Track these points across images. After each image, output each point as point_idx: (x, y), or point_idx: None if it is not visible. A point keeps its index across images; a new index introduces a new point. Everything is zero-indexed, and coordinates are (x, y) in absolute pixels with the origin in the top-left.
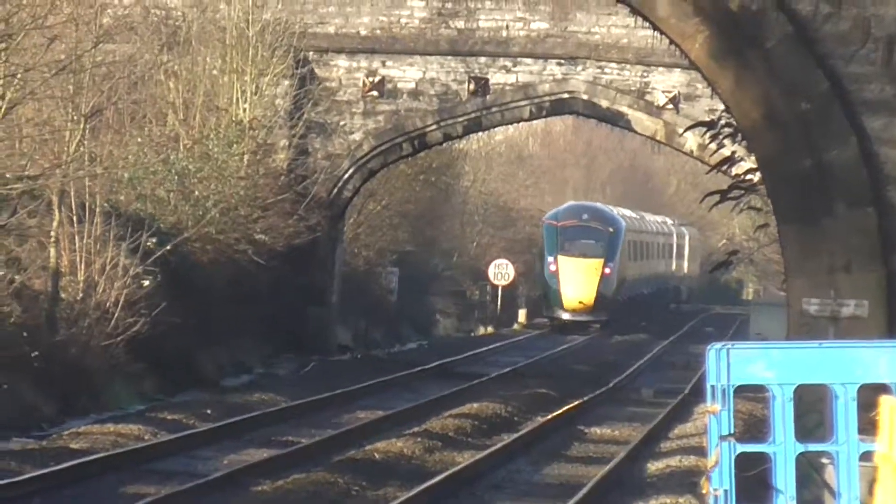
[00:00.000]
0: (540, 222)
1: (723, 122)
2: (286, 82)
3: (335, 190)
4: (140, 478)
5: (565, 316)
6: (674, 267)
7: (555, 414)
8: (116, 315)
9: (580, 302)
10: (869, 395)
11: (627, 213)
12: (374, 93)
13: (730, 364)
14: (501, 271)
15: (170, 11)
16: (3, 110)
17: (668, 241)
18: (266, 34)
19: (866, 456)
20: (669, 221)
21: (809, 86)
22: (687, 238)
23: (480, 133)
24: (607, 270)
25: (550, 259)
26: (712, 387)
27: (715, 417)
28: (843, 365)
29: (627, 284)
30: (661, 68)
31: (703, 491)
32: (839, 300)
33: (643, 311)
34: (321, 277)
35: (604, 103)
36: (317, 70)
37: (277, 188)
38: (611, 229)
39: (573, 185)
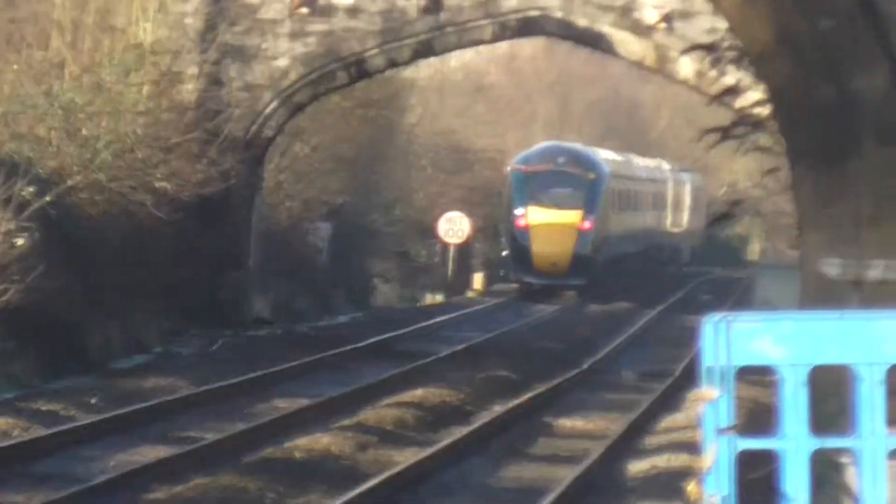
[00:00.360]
0: (506, 167)
1: (726, 44)
2: None
3: (254, 128)
4: (7, 482)
5: (536, 280)
6: (669, 221)
7: (516, 402)
8: None
9: (554, 263)
10: None
11: (612, 155)
12: (304, 9)
13: (730, 340)
14: (454, 227)
15: None
16: None
17: (662, 190)
18: None
19: None
20: (666, 166)
21: None
22: (688, 186)
23: (432, 59)
24: (586, 224)
25: (519, 211)
26: (708, 368)
27: (711, 406)
28: (870, 341)
29: (611, 242)
30: None
31: (693, 498)
32: (865, 260)
33: (630, 275)
34: (236, 235)
35: (581, 22)
36: None
37: (184, 126)
38: (591, 175)
39: (543, 122)
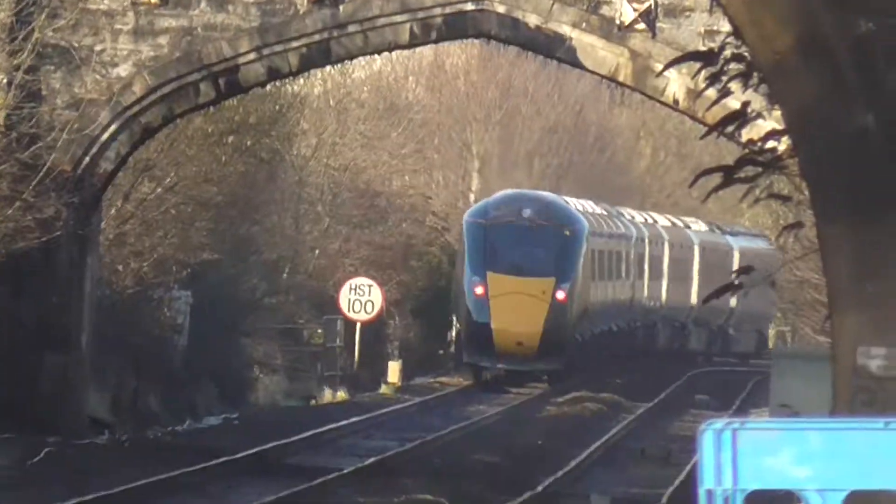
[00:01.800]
0: (462, 220)
1: (728, 52)
2: None
3: (87, 159)
4: None
5: (497, 363)
6: (664, 292)
7: None
8: None
9: (519, 342)
10: None
11: (591, 206)
12: None
13: (738, 454)
14: (361, 298)
15: None
16: None
17: (656, 252)
18: None
19: None
20: (670, 221)
21: None
22: (696, 247)
23: (329, 68)
24: (560, 295)
25: (475, 278)
26: (709, 492)
27: None
28: None
29: (591, 316)
30: None
31: None
32: None
33: (615, 358)
34: (61, 305)
35: (531, 20)
36: None
37: None
38: (566, 232)
39: (481, 155)
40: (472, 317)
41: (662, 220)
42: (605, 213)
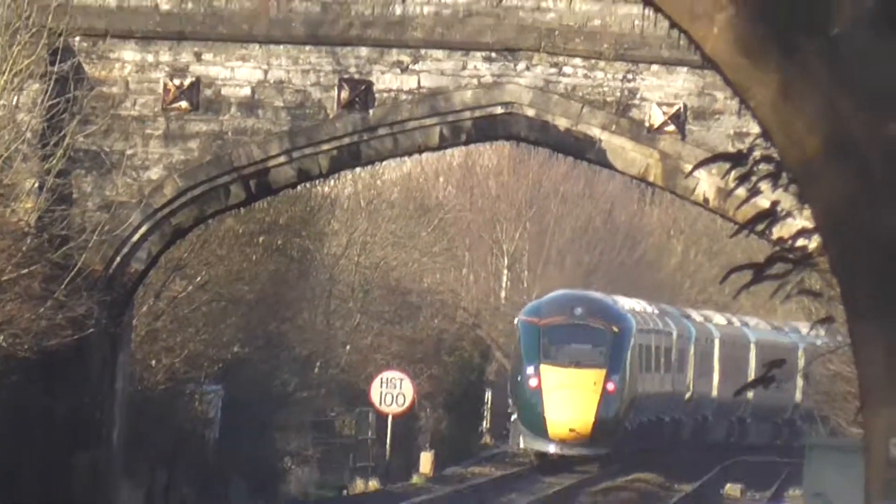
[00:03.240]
0: (515, 320)
1: (757, 154)
2: (35, 86)
3: (118, 259)
4: None
5: (551, 448)
6: (714, 385)
7: None
8: None
9: (571, 429)
10: None
11: (639, 306)
12: (184, 103)
13: None
14: (392, 391)
15: None
16: None
17: (705, 349)
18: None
19: None
20: (722, 320)
21: None
22: (752, 345)
23: (359, 170)
24: (610, 386)
25: (530, 370)
26: None
27: None
28: None
29: (638, 405)
30: (655, 66)
31: None
32: None
33: (660, 443)
34: (93, 402)
35: (561, 122)
36: (87, 66)
37: (20, 257)
38: (615, 328)
39: (513, 254)
40: (526, 406)
41: (718, 318)
42: (654, 311)
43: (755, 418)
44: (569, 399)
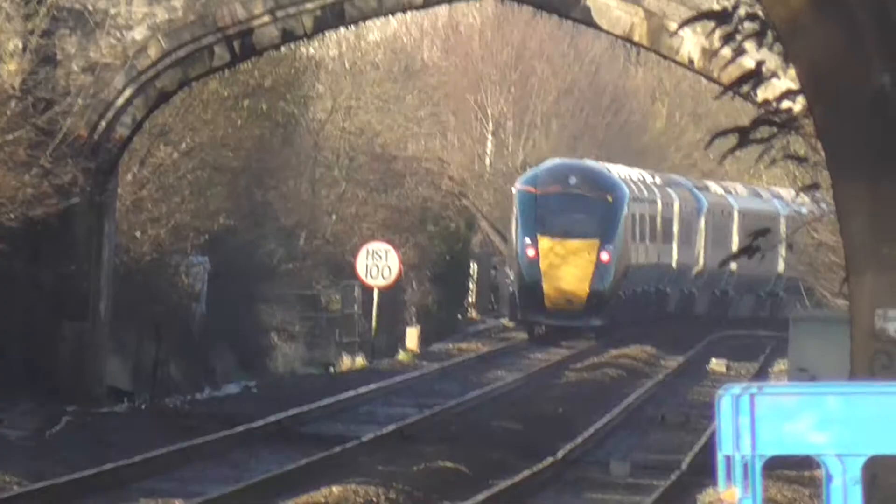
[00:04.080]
0: (513, 188)
1: (743, 11)
2: None
3: (102, 124)
4: None
5: (550, 320)
6: (699, 252)
7: None
8: None
9: (568, 300)
10: None
11: (634, 174)
12: None
13: (756, 420)
14: (378, 263)
15: None
16: None
17: (689, 219)
18: None
19: None
20: (715, 188)
21: None
22: (735, 211)
23: (343, 30)
24: (604, 256)
25: (527, 240)
26: (727, 458)
27: None
28: None
29: (632, 275)
30: None
31: None
32: None
33: (651, 316)
34: (79, 273)
35: None
36: None
37: (5, 121)
38: (608, 198)
39: (497, 118)
40: (524, 277)
41: (715, 187)
42: (650, 179)
43: (738, 291)
44: (564, 270)
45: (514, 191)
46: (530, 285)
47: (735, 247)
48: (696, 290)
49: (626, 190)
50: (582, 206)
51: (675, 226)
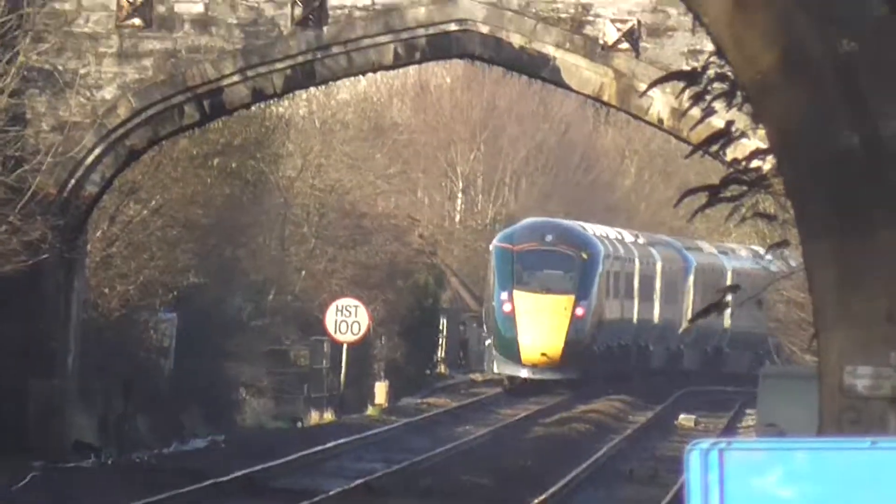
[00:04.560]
0: (490, 245)
1: (712, 72)
2: None
3: (72, 182)
4: None
5: (523, 372)
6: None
7: None
8: None
9: (543, 353)
10: None
11: (610, 232)
12: (137, 20)
13: (724, 475)
14: (347, 319)
15: None
16: None
17: (674, 278)
18: None
19: None
20: (708, 248)
21: (860, 10)
22: (729, 271)
23: (313, 89)
24: (580, 311)
25: (504, 295)
26: None
27: None
28: None
29: (606, 330)
30: None
31: None
32: None
33: (627, 367)
34: (47, 329)
35: (515, 40)
36: None
37: None
38: (584, 255)
39: (467, 176)
40: (500, 331)
41: (707, 247)
42: (626, 238)
43: (690, 347)
44: (540, 324)
45: (491, 248)
46: (506, 339)
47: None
48: (683, 347)
49: (602, 247)
50: (558, 263)
51: (658, 283)
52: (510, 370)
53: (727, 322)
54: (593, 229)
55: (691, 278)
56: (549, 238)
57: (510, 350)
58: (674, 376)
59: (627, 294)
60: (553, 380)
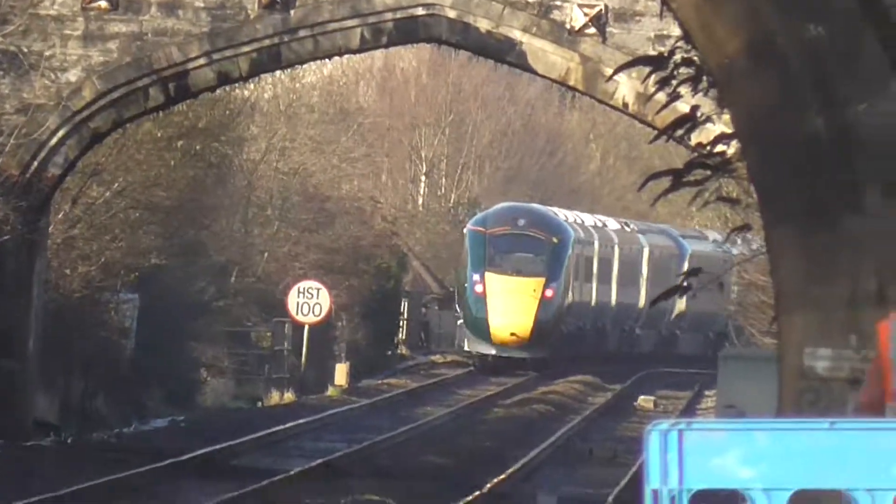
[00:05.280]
0: (464, 229)
1: (678, 57)
2: None
3: (35, 164)
4: None
5: (492, 351)
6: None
7: None
8: None
9: (512, 333)
10: None
11: (583, 218)
12: (103, 2)
13: (684, 455)
14: (309, 301)
15: None
16: None
17: (638, 260)
18: None
19: None
20: (672, 231)
21: None
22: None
23: (279, 73)
24: (549, 292)
25: (476, 277)
26: (654, 492)
27: None
28: (871, 458)
29: (575, 312)
30: None
31: None
32: (865, 350)
33: (594, 348)
34: (9, 309)
35: (482, 24)
36: None
37: None
38: (554, 239)
39: (431, 159)
40: (471, 311)
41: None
42: (598, 223)
43: (644, 327)
44: (510, 305)
45: (465, 231)
46: (477, 319)
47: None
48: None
49: (572, 232)
50: (529, 247)
51: (644, 268)
52: (481, 349)
53: (682, 304)
54: (566, 215)
55: (685, 265)
56: (521, 222)
57: (481, 329)
58: (630, 358)
59: (598, 278)
60: (521, 358)
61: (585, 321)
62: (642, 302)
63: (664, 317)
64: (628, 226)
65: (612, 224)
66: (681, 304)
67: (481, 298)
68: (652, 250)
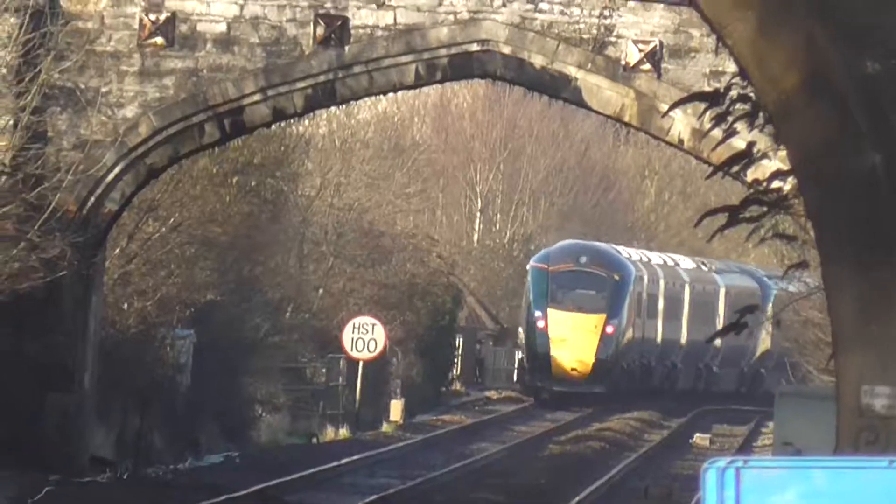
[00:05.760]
0: (527, 265)
1: (734, 93)
2: (11, 20)
3: (92, 200)
4: None
5: (555, 386)
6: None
7: None
8: None
9: (574, 368)
10: None
11: (644, 255)
12: (159, 39)
13: (741, 493)
14: (364, 336)
15: None
16: None
17: (712, 299)
18: None
19: None
20: (742, 270)
21: (883, 31)
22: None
23: (334, 109)
24: (609, 329)
25: (538, 313)
26: None
27: None
28: None
29: (636, 347)
30: (632, 3)
31: None
32: None
33: (652, 384)
34: (65, 345)
35: (537, 60)
36: (62, 0)
37: None
38: (615, 276)
39: (486, 195)
40: (534, 347)
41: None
42: (662, 261)
43: (723, 365)
44: (572, 341)
45: (528, 268)
46: (539, 354)
47: None
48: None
49: (633, 269)
50: (590, 284)
51: (721, 308)
52: (542, 382)
53: (767, 343)
54: (630, 253)
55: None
56: (583, 260)
57: (543, 364)
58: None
59: (665, 315)
60: (581, 393)
61: (650, 358)
62: (718, 341)
63: (745, 355)
64: (704, 265)
65: (687, 263)
66: (766, 342)
67: (544, 334)
68: (728, 290)
